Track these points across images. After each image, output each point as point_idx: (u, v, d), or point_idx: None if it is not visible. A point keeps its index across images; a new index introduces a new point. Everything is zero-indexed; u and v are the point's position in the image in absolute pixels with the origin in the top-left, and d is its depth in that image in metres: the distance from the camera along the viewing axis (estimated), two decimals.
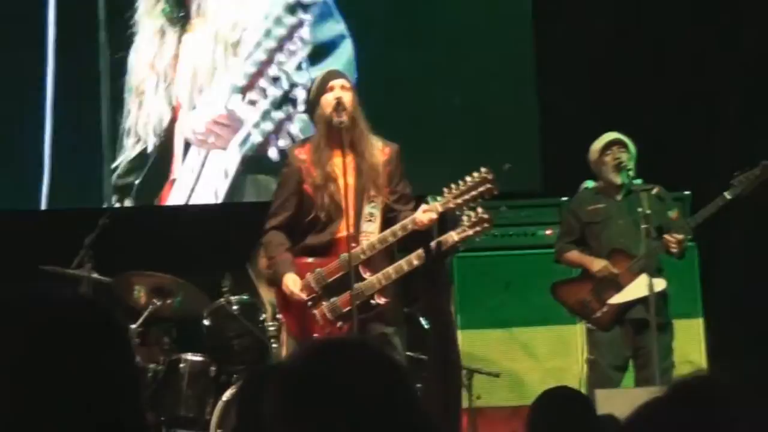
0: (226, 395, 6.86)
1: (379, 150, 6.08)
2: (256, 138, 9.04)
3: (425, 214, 5.88)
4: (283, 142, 8.90)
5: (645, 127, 8.28)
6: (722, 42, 9.30)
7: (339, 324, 5.97)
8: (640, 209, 6.92)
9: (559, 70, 9.37)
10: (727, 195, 7.11)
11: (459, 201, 5.93)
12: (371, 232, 5.96)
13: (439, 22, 9.49)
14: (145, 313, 7.28)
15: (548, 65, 9.44)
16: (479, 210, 5.96)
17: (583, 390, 7.26)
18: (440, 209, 5.92)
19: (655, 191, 7.24)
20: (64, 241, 7.41)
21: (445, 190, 5.97)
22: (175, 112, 9.17)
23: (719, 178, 7.37)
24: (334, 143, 6.02)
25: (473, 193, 5.94)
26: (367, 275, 5.95)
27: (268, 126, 9.07)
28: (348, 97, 6.02)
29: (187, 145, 9.11)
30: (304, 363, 1.76)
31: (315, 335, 5.94)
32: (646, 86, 9.33)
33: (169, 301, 7.43)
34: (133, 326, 7.17)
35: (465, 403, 7.78)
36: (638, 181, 7.20)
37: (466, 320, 8.14)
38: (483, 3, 9.61)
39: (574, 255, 7.41)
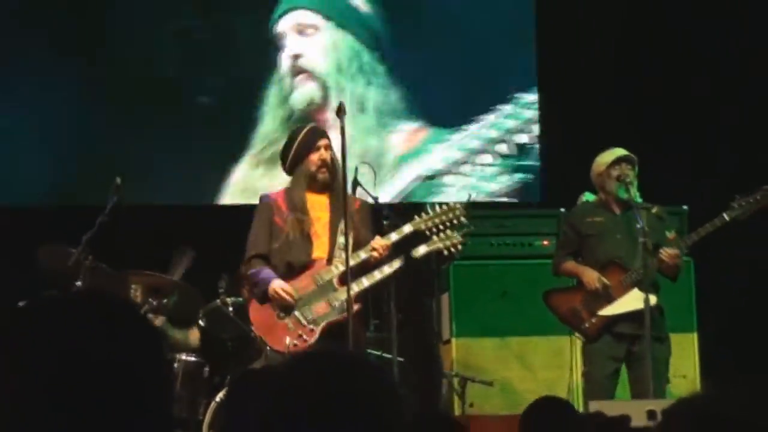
0: (219, 396, 6.86)
1: (352, 199, 6.68)
2: None
3: (381, 240, 6.60)
4: None
5: (643, 140, 8.28)
6: (725, 56, 9.32)
7: (311, 327, 6.59)
8: (638, 225, 6.92)
9: (559, 84, 9.40)
10: (726, 216, 7.08)
11: (429, 224, 6.72)
12: (343, 259, 6.48)
13: (442, 25, 9.56)
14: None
15: (548, 78, 9.47)
16: (448, 231, 6.74)
17: (579, 402, 7.28)
18: (409, 230, 6.69)
19: (654, 210, 7.23)
20: (61, 238, 7.42)
21: (416, 216, 6.76)
22: None
23: (717, 193, 7.36)
24: (309, 189, 6.72)
25: (443, 217, 6.75)
26: (339, 286, 6.59)
27: None
28: (330, 156, 6.68)
29: None
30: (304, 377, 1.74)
31: (287, 339, 6.54)
32: (646, 99, 9.36)
33: (164, 301, 7.44)
34: None
35: (458, 411, 7.81)
36: (638, 199, 7.19)
37: (460, 328, 8.15)
38: (487, 8, 9.69)
39: (570, 265, 7.39)
